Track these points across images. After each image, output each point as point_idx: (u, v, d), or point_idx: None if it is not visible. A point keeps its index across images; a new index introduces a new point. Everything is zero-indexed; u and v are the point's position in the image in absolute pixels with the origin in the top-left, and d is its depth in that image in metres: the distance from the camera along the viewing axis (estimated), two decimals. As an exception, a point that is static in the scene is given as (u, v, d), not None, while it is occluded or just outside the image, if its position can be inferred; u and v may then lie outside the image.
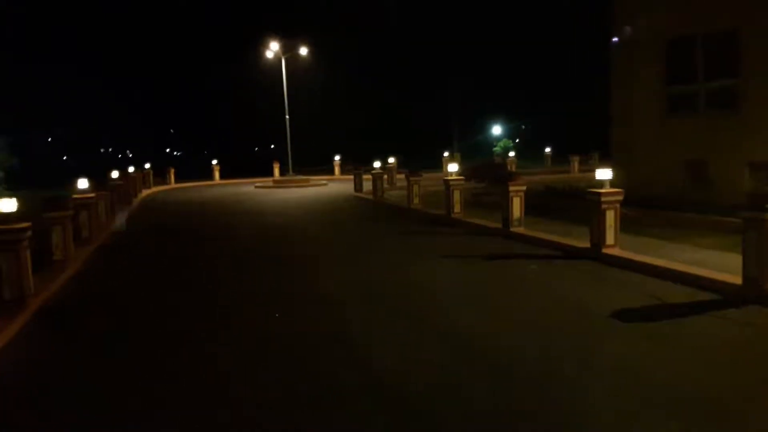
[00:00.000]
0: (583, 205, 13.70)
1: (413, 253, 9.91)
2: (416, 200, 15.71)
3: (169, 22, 64.69)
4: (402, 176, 26.20)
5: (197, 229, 14.52)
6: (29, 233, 6.85)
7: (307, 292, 7.63)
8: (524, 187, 11.10)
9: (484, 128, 55.81)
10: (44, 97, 63.46)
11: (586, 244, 9.04)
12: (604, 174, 8.65)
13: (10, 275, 6.62)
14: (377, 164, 20.10)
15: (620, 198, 8.64)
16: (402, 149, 36.13)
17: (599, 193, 8.54)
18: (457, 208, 13.21)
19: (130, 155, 77.87)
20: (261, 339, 5.76)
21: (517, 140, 51.37)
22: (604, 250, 8.59)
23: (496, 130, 53.36)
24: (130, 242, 12.61)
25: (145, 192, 26.43)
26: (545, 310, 6.38)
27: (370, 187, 21.54)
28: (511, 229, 10.96)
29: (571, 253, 9.12)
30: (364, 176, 22.30)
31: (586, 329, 5.72)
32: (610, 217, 8.57)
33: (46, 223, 8.91)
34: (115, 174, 17.79)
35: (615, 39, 15.60)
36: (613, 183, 8.85)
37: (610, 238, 8.62)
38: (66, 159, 72.44)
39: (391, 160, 25.63)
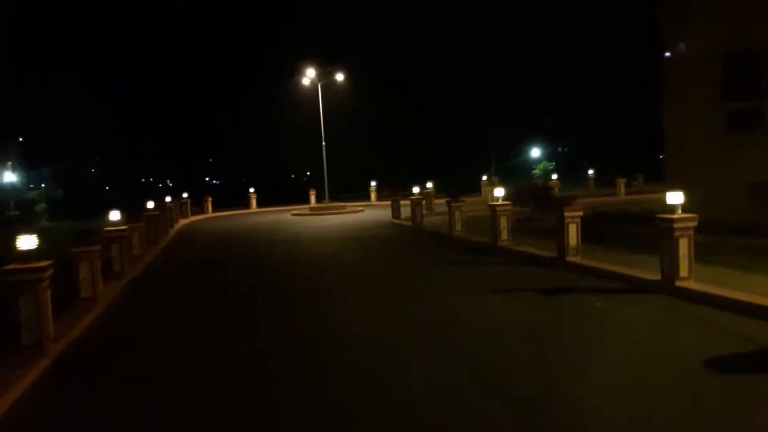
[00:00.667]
0: (639, 231, 12.88)
1: (460, 287, 9.11)
2: (458, 227, 14.93)
3: (210, 49, 65.98)
4: (440, 201, 25.62)
5: (232, 260, 14.01)
6: (50, 272, 6.36)
7: (348, 333, 6.92)
8: (581, 213, 10.24)
9: (522, 151, 54.76)
10: (87, 127, 65.36)
11: (655, 276, 8.12)
12: (675, 198, 7.76)
13: (28, 318, 6.12)
14: (416, 189, 19.40)
15: (694, 224, 7.73)
16: (438, 174, 35.41)
17: (671, 219, 7.65)
18: (504, 236, 12.39)
19: (170, 184, 79.23)
20: (302, 399, 5.07)
21: (554, 163, 50.07)
22: (678, 283, 7.66)
23: (535, 152, 52.35)
24: (163, 275, 12.16)
25: (183, 222, 26.31)
26: (625, 360, 5.50)
27: (408, 213, 20.87)
28: (567, 259, 10.08)
29: (640, 287, 8.20)
30: (402, 202, 21.64)
31: (680, 385, 4.84)
32: (684, 245, 7.65)
33: (73, 258, 8.48)
34: (150, 204, 17.53)
35: (668, 53, 14.70)
36: (669, 208, 7.92)
37: (683, 270, 7.69)
38: (108, 189, 74.02)
39: (429, 185, 24.93)
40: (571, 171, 43.61)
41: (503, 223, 12.36)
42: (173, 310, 8.77)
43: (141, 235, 14.25)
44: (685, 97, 14.13)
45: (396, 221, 20.73)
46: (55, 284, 6.71)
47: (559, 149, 61.77)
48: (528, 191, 21.19)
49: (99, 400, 5.22)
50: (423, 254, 13.11)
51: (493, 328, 6.81)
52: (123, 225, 11.39)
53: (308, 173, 69.60)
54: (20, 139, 59.25)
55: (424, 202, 18.69)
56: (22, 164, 59.07)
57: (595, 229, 13.31)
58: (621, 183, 28.88)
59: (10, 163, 58.61)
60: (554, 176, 30.23)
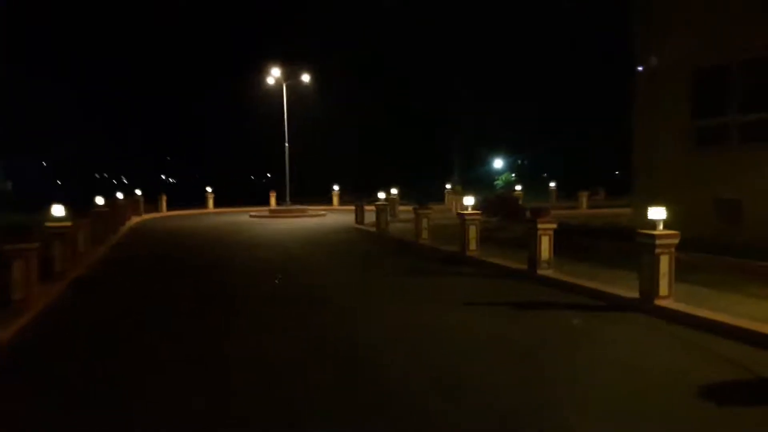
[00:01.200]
0: (607, 246, 12.69)
1: (429, 300, 8.63)
2: (425, 234, 14.49)
3: (167, 46, 64.19)
4: (405, 208, 25.20)
5: (186, 264, 13.19)
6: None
7: (315, 350, 6.34)
8: (554, 225, 9.91)
9: (484, 161, 55.02)
10: (39, 120, 62.65)
11: (632, 293, 7.81)
12: (657, 213, 7.46)
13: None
14: (382, 195, 18.89)
15: (676, 241, 7.45)
16: (400, 180, 34.95)
17: (653, 236, 7.34)
18: (473, 245, 11.99)
19: (126, 181, 76.75)
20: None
21: (514, 175, 50.22)
22: (657, 302, 7.36)
23: (498, 163, 52.62)
24: (109, 276, 11.29)
25: (135, 219, 25.11)
26: (610, 384, 5.10)
27: (372, 219, 20.38)
28: (539, 272, 9.73)
29: (617, 304, 7.87)
30: (366, 207, 21.13)
31: (675, 415, 4.45)
32: (665, 263, 7.35)
33: (4, 255, 7.63)
34: (100, 200, 16.48)
35: (640, 68, 14.65)
36: (637, 224, 7.66)
37: (663, 288, 7.39)
38: (60, 183, 71.15)
39: (394, 191, 24.49)
40: (532, 183, 43.88)
41: (472, 232, 11.97)
42: (117, 318, 7.99)
43: (87, 232, 13.29)
44: (657, 111, 14.10)
45: (359, 226, 20.18)
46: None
47: (519, 161, 62.47)
48: (495, 201, 21.01)
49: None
50: (389, 263, 12.60)
51: (467, 344, 6.34)
52: (67, 221, 10.49)
53: (268, 175, 68.33)
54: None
55: (389, 208, 18.17)
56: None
57: (561, 243, 13.10)
58: (583, 196, 29.05)
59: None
60: (518, 187, 30.15)
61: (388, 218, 19.17)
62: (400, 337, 6.61)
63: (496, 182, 45.17)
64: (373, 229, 18.53)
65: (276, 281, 10.06)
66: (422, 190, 34.65)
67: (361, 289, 9.63)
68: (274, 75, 29.08)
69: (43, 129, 64.05)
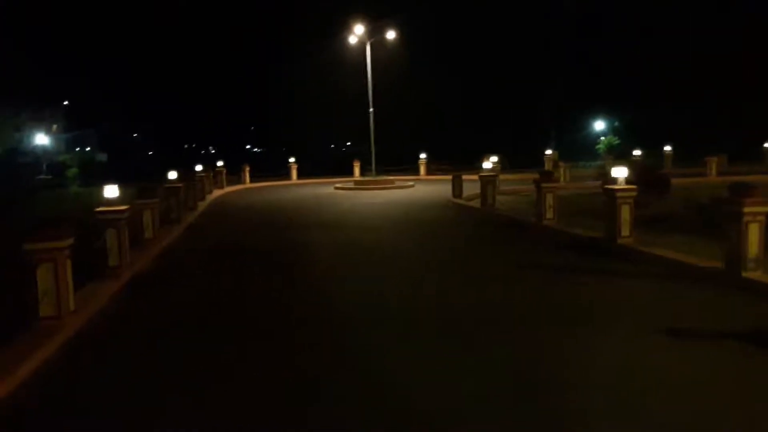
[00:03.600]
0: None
1: (586, 320, 6.02)
2: (549, 214, 11.74)
3: (246, 16, 62.88)
4: (504, 177, 22.35)
5: (265, 252, 11.12)
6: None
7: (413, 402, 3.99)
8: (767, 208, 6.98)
9: (581, 123, 50.23)
10: (130, 92, 63.67)
11: None
12: None
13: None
14: (488, 164, 16.13)
15: None
16: (492, 148, 31.66)
17: None
18: (625, 231, 9.19)
19: (213, 151, 77.54)
20: None
21: (618, 139, 44.96)
22: None
23: (598, 125, 47.94)
24: (170, 276, 9.35)
25: (217, 192, 23.78)
26: None
27: (470, 192, 17.77)
28: (745, 275, 6.87)
29: None
30: (465, 177, 18.51)
31: None
32: None
33: (31, 259, 5.74)
34: (173, 174, 14.77)
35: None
36: None
37: None
38: (151, 154, 72.49)
39: (494, 159, 21.62)
40: (635, 147, 38.97)
41: (625, 213, 9.14)
42: (170, 336, 5.97)
43: (154, 213, 11.54)
44: None
45: (457, 201, 17.61)
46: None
47: (615, 124, 56.78)
48: (633, 172, 17.76)
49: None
50: (511, 255, 9.97)
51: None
52: (121, 206, 8.55)
53: (348, 143, 66.39)
54: (65, 103, 58.01)
55: (498, 179, 15.45)
56: (64, 126, 57.99)
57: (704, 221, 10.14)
58: (712, 162, 24.97)
59: (55, 126, 57.51)
60: (637, 152, 26.38)
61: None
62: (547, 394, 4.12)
63: (597, 147, 40.90)
64: (475, 205, 15.94)
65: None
66: (518, 158, 31.34)
67: (478, 304, 7.14)
68: (356, 33, 26.55)
69: (134, 100, 65.22)
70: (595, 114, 47.44)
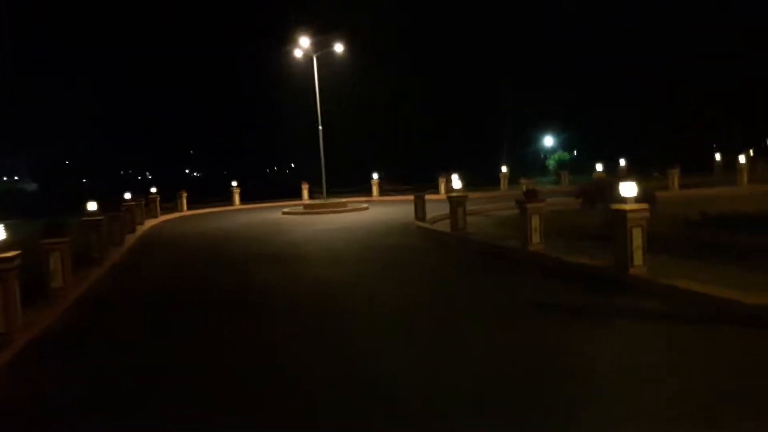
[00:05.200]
0: None
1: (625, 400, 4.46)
2: (536, 238, 10.24)
3: (187, 32, 59.96)
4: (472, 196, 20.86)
5: (199, 301, 9.13)
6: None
7: None
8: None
9: (530, 139, 49.72)
10: (62, 117, 59.55)
11: None
12: None
13: None
14: (457, 183, 14.63)
15: None
16: (445, 165, 30.32)
17: None
18: (638, 259, 7.74)
19: (150, 176, 73.76)
20: None
21: (568, 154, 44.45)
22: None
23: (548, 141, 47.73)
24: (83, 339, 7.31)
25: (151, 223, 21.30)
26: None
27: (435, 214, 16.24)
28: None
29: None
30: (428, 197, 16.99)
31: None
32: None
33: None
34: (92, 206, 12.51)
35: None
36: None
37: None
38: (85, 181, 68.03)
39: (455, 178, 20.24)
40: (585, 161, 38.50)
41: (637, 238, 7.69)
42: None
43: (65, 255, 9.35)
44: None
45: (422, 224, 15.97)
46: None
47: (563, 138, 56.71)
48: (593, 188, 16.83)
49: None
50: (502, 292, 8.37)
51: None
52: (10, 252, 6.46)
53: (292, 165, 64.03)
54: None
55: (466, 199, 13.90)
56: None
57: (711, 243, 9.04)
58: (674, 175, 24.37)
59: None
60: (599, 167, 25.62)
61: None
62: None
63: (547, 163, 40.28)
64: (444, 229, 14.36)
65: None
66: (471, 176, 30.16)
67: (468, 362, 5.47)
68: (302, 46, 24.80)
69: (64, 126, 61.13)
70: (543, 128, 47.12)
